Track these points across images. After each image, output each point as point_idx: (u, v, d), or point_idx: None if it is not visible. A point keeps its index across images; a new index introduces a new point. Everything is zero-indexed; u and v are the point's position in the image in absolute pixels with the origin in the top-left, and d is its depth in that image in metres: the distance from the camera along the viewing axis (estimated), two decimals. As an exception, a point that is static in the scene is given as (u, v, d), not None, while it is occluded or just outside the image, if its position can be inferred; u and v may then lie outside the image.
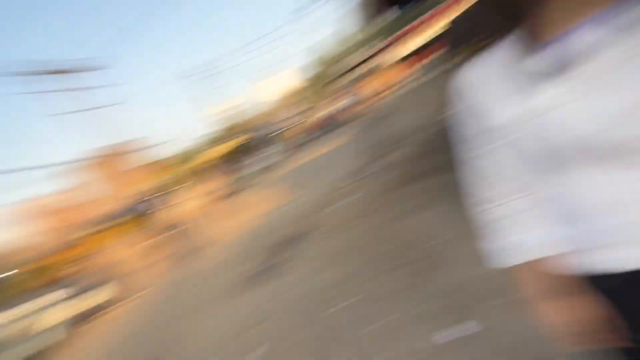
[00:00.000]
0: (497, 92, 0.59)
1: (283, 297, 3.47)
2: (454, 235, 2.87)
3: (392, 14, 3.81)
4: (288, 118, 33.11)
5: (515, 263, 0.66)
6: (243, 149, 20.76)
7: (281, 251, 4.65)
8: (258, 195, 10.62)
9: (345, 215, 4.71)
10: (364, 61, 18.26)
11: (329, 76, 25.76)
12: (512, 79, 0.56)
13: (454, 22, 2.10)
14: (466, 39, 2.13)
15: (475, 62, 0.64)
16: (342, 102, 20.35)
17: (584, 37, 0.48)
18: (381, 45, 17.57)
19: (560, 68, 0.50)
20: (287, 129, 29.61)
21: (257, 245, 5.37)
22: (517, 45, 0.56)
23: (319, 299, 3.05)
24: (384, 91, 14.76)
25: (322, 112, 34.15)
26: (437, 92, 4.59)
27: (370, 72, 18.95)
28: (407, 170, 4.27)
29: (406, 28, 17.53)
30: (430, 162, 4.08)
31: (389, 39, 18.13)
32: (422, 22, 16.43)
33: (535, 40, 0.53)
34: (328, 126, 21.41)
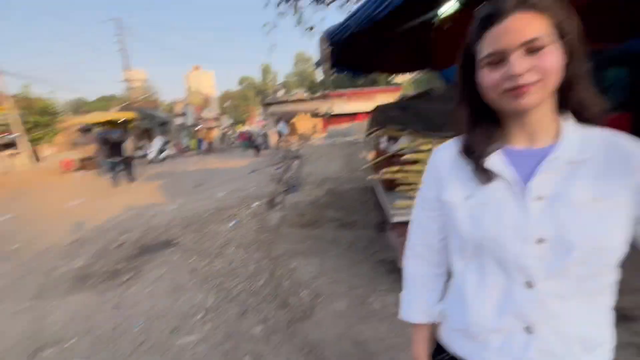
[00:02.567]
0: (457, 174, 0.72)
1: (107, 312, 2.83)
2: (324, 289, 2.88)
3: (345, 74, 4.05)
4: (207, 119, 31.45)
5: (408, 320, 0.87)
6: (134, 130, 18.16)
7: (132, 257, 3.95)
8: (131, 185, 9.33)
9: (215, 238, 4.36)
10: (304, 101, 19.23)
11: (267, 97, 25.88)
12: (469, 169, 0.69)
13: (380, 107, 2.49)
14: (385, 122, 2.51)
15: (450, 144, 0.77)
16: (269, 128, 20.38)
17: (536, 154, 0.65)
18: (324, 94, 18.95)
19: (508, 173, 0.65)
20: (203, 129, 27.85)
21: (109, 244, 4.47)
22: (479, 142, 0.69)
23: (152, 326, 2.58)
24: (309, 135, 15.52)
25: (246, 128, 33.82)
26: (353, 154, 4.92)
27: (305, 113, 19.86)
28: (303, 212, 4.28)
29: (349, 91, 19.49)
30: (328, 212, 4.20)
31: (332, 93, 19.75)
32: (361, 93, 18.57)
33: (497, 144, 0.68)
34: (246, 143, 21.03)
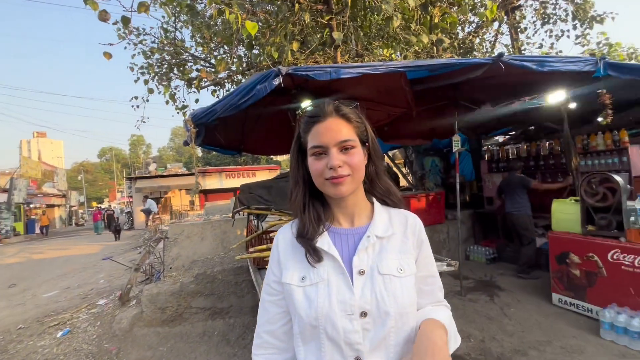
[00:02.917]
0: (294, 256, 0.77)
1: None
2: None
3: (217, 152, 4.07)
4: (49, 195, 25.28)
5: None
6: None
7: None
8: None
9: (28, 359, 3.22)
10: (180, 176, 17.98)
11: (136, 171, 23.06)
12: (302, 250, 0.76)
13: (245, 185, 2.62)
14: (250, 201, 2.62)
15: (290, 226, 0.82)
16: (136, 205, 17.78)
17: (356, 233, 0.78)
18: (203, 170, 18.28)
19: (333, 251, 0.74)
20: (41, 207, 22.02)
21: None
22: (310, 224, 0.77)
23: None
24: (183, 213, 14.24)
25: (103, 206, 28.46)
26: (228, 232, 4.70)
27: (180, 189, 18.41)
28: (164, 305, 3.63)
29: (229, 168, 19.46)
30: (197, 301, 3.68)
31: (211, 169, 19.29)
32: (242, 169, 18.84)
33: (325, 225, 0.78)
34: (100, 224, 17.53)
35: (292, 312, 0.75)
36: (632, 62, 7.91)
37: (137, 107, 6.33)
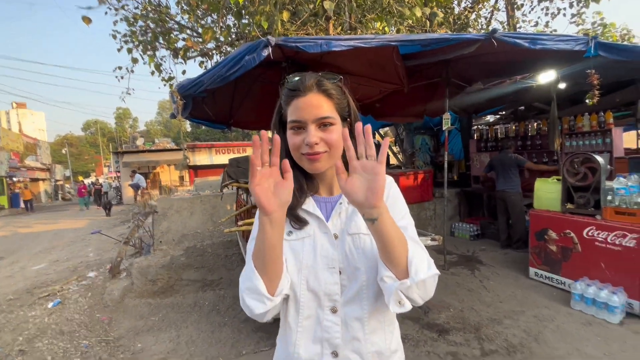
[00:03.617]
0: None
1: None
2: (178, 369, 2.44)
3: (204, 126, 3.99)
4: (33, 169, 24.62)
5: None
6: None
7: None
8: None
9: (19, 328, 3.27)
10: (169, 151, 17.66)
11: (123, 145, 22.51)
12: (291, 209, 0.77)
13: (233, 160, 2.59)
14: (238, 175, 2.60)
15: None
16: (124, 180, 17.52)
17: (332, 201, 0.82)
18: (192, 145, 17.97)
19: (319, 213, 0.79)
20: (24, 181, 21.49)
21: None
22: (294, 194, 0.77)
23: None
24: (173, 188, 14.11)
25: (90, 181, 27.94)
26: (218, 206, 4.71)
27: (169, 164, 18.14)
28: (155, 278, 3.68)
29: (219, 144, 19.17)
30: (187, 274, 3.74)
31: (200, 144, 18.97)
32: (232, 145, 18.59)
33: (307, 193, 0.81)
34: (86, 199, 17.29)
35: None
36: (625, 43, 7.91)
37: (122, 78, 6.09)
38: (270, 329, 2.83)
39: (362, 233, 0.77)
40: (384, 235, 0.63)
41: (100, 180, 23.33)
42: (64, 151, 39.48)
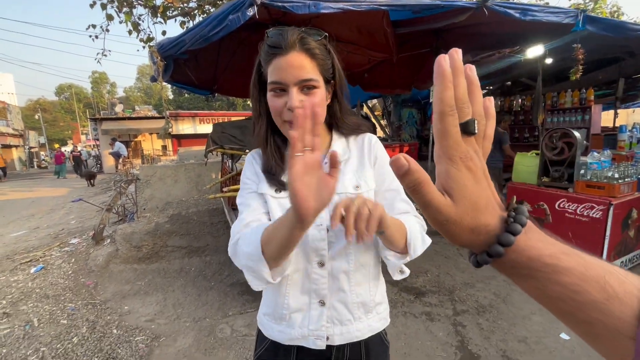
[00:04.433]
0: (270, 172, 0.78)
1: None
2: (165, 329, 2.52)
3: (187, 92, 3.85)
4: (4, 135, 23.35)
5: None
6: None
7: None
8: None
9: (2, 293, 3.27)
10: (150, 119, 17.01)
11: (101, 112, 21.52)
12: (274, 175, 0.77)
13: (218, 125, 2.53)
14: (223, 141, 2.56)
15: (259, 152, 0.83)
16: (103, 148, 16.92)
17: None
18: (175, 114, 17.34)
19: None
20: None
21: None
22: (273, 160, 0.78)
23: None
24: (155, 157, 13.76)
25: (67, 149, 26.84)
26: (203, 175, 4.67)
27: (151, 133, 17.55)
28: (139, 244, 3.69)
29: (203, 112, 18.58)
30: (172, 240, 3.76)
31: (183, 112, 18.34)
32: (216, 114, 18.06)
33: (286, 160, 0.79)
34: (62, 167, 16.70)
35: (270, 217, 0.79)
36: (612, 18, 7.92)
37: (96, 37, 5.68)
38: (256, 293, 2.93)
39: (350, 192, 0.78)
40: (388, 234, 0.66)
41: (79, 148, 22.42)
42: (37, 117, 37.41)
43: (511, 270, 0.30)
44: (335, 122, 0.83)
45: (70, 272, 3.61)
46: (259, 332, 0.87)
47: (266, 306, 0.85)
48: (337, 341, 0.80)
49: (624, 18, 8.11)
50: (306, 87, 0.70)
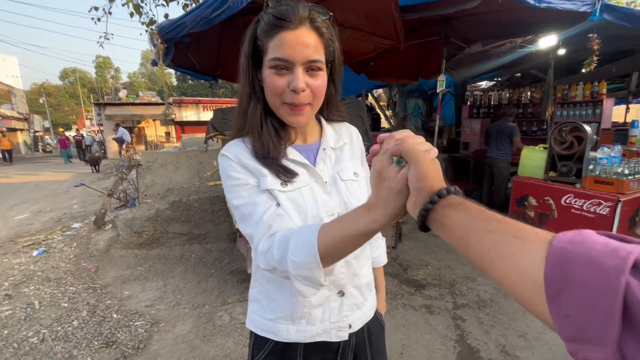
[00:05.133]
0: (263, 167, 0.70)
1: None
2: (164, 314, 2.53)
3: (190, 77, 3.78)
4: (8, 118, 23.41)
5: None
6: None
7: None
8: None
9: (4, 275, 3.29)
10: (154, 105, 16.94)
11: (105, 97, 21.47)
12: (274, 159, 0.71)
13: (218, 111, 2.49)
14: (224, 127, 2.51)
15: (238, 143, 0.73)
16: (107, 133, 16.94)
17: (310, 148, 0.78)
18: (179, 100, 17.25)
19: (307, 161, 0.74)
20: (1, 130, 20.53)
21: None
22: (270, 144, 0.70)
23: None
24: (159, 144, 13.75)
25: (71, 133, 26.90)
26: (205, 162, 4.64)
27: (154, 119, 17.49)
28: (140, 230, 3.70)
29: (206, 99, 18.46)
30: (173, 227, 3.76)
31: (187, 99, 18.23)
32: (220, 102, 17.94)
33: (285, 142, 0.73)
34: (68, 151, 16.76)
35: None
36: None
37: (99, 20, 5.58)
38: (255, 281, 2.93)
39: (352, 180, 0.77)
40: None
41: (83, 133, 22.40)
42: (41, 101, 37.45)
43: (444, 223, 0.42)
44: (327, 107, 0.78)
45: (71, 256, 3.63)
46: (256, 338, 0.81)
47: (274, 311, 0.76)
48: (357, 326, 0.80)
49: (640, 9, 7.84)
50: (311, 68, 0.64)
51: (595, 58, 2.89)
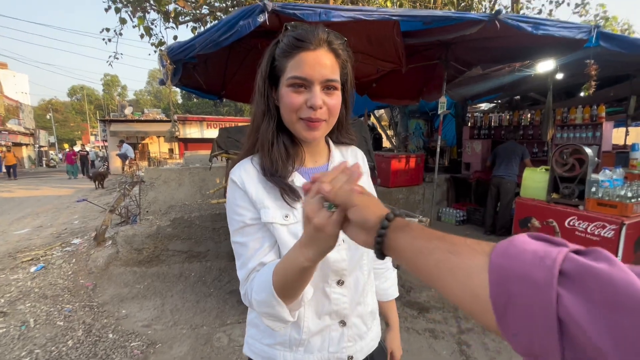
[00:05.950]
0: (267, 194, 0.70)
1: None
2: (161, 335, 2.47)
3: (196, 96, 3.86)
4: (15, 133, 23.77)
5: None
6: None
7: None
8: None
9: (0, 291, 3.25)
10: (159, 122, 17.20)
11: (111, 113, 21.85)
12: (277, 189, 0.70)
13: (224, 130, 2.54)
14: (228, 146, 2.54)
15: (246, 163, 0.74)
16: (111, 149, 17.11)
17: (320, 171, 0.73)
18: (184, 118, 17.53)
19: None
20: (7, 145, 20.78)
21: None
22: (280, 163, 0.70)
23: None
24: (162, 160, 13.86)
25: (76, 149, 27.21)
26: (207, 179, 4.66)
27: (158, 136, 17.72)
28: (140, 247, 3.67)
29: (211, 117, 18.76)
30: (174, 244, 3.73)
31: (191, 117, 18.53)
32: (224, 120, 18.21)
33: (294, 166, 0.73)
34: (74, 167, 16.87)
35: (280, 246, 0.70)
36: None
37: (109, 40, 5.80)
38: (255, 301, 2.88)
39: None
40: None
41: (87, 149, 22.60)
42: (48, 116, 38.09)
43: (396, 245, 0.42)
44: (338, 128, 0.80)
45: (70, 272, 3.59)
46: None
47: (272, 336, 0.75)
48: (359, 358, 0.78)
49: (635, 35, 8.07)
50: (328, 87, 0.67)
51: (593, 83, 2.95)
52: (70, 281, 3.39)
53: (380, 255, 0.45)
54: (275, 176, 0.71)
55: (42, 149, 30.99)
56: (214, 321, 2.65)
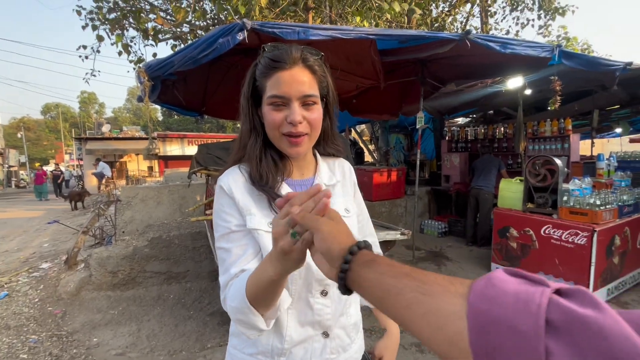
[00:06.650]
0: (253, 202, 0.72)
1: None
2: (136, 364, 2.32)
3: (176, 113, 3.82)
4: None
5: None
6: None
7: None
8: None
9: None
10: (137, 139, 16.81)
11: (88, 131, 21.18)
12: (264, 197, 0.72)
13: (203, 146, 2.52)
14: (207, 162, 2.52)
15: (234, 172, 0.76)
16: (81, 169, 16.50)
17: (306, 183, 0.79)
18: (163, 135, 17.23)
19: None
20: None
21: None
22: (268, 173, 0.73)
23: None
24: (140, 178, 13.46)
25: (49, 168, 26.07)
26: (187, 197, 4.54)
27: (137, 153, 17.27)
28: (115, 269, 3.50)
29: (191, 134, 18.53)
30: (151, 265, 3.58)
31: (172, 134, 18.24)
32: (205, 136, 18.02)
33: (282, 176, 0.75)
34: (43, 187, 16.09)
35: (264, 253, 0.70)
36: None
37: (86, 57, 5.69)
38: (237, 322, 2.77)
39: (344, 216, 0.74)
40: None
41: (62, 168, 21.66)
42: (19, 135, 36.52)
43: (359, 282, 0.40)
44: (324, 139, 0.81)
45: (37, 299, 3.36)
46: None
47: (255, 345, 0.74)
48: None
49: (594, 54, 8.70)
50: (306, 102, 0.69)
51: (558, 98, 3.13)
52: (36, 309, 3.17)
53: (345, 290, 0.42)
54: (266, 186, 0.73)
55: (11, 168, 29.49)
56: (194, 345, 2.53)
